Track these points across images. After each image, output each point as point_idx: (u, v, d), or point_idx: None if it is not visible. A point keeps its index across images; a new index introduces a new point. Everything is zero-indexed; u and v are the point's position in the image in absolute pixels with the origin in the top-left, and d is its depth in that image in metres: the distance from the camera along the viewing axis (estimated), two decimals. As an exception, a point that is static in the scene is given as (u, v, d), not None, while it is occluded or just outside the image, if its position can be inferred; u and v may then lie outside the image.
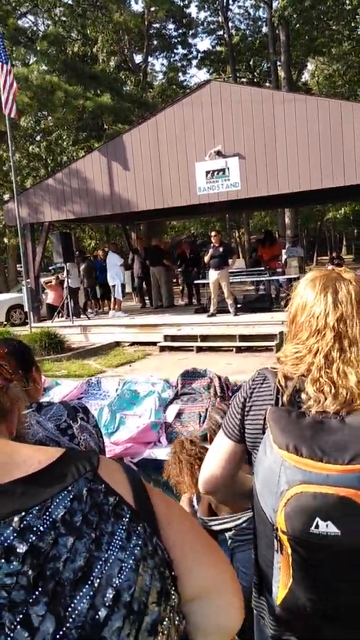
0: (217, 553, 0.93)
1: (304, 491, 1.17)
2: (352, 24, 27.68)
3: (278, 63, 26.92)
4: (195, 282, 15.30)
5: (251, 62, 34.40)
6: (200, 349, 10.99)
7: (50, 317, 14.34)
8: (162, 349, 11.44)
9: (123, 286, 14.62)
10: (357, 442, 1.18)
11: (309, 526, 1.16)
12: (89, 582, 0.72)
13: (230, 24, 31.57)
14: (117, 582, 0.73)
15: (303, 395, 1.33)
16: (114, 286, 14.33)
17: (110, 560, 0.74)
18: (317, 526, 1.16)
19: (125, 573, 0.74)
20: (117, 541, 0.76)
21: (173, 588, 0.81)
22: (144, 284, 15.91)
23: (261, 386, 1.48)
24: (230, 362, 9.80)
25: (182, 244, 17.47)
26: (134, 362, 10.64)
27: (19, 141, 21.65)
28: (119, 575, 0.74)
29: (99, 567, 0.73)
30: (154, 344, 11.73)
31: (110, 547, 0.75)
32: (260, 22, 32.88)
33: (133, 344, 12.40)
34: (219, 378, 3.66)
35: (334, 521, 1.15)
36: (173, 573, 0.82)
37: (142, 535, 0.79)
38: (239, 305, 12.79)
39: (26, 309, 14.03)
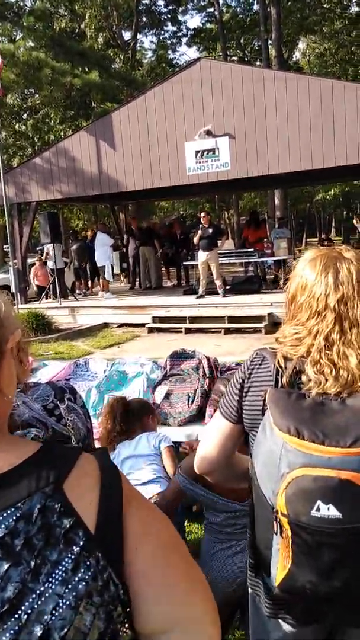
0: (192, 578, 0.82)
1: (306, 474, 1.16)
2: (344, 2, 27.41)
3: (269, 41, 26.56)
4: (184, 263, 15.25)
5: (242, 40, 33.97)
6: (189, 331, 10.98)
7: (39, 297, 14.26)
8: (151, 330, 11.42)
9: (112, 267, 14.53)
10: (358, 425, 1.17)
11: (310, 509, 1.16)
12: (16, 616, 0.65)
13: (221, 1, 31.09)
14: (48, 619, 0.66)
15: (303, 377, 1.32)
16: (103, 267, 14.22)
17: (46, 594, 0.67)
18: (318, 509, 1.15)
19: (60, 610, 0.67)
20: (60, 573, 0.69)
21: (126, 626, 0.73)
22: (137, 265, 15.86)
23: (260, 367, 1.45)
24: (219, 343, 9.81)
25: (172, 224, 17.36)
26: (122, 343, 10.61)
27: (5, 119, 21.25)
28: (53, 612, 0.66)
29: (30, 600, 0.66)
30: (143, 325, 11.70)
31: (50, 579, 0.68)
32: (251, 0, 32.45)
33: (121, 325, 12.37)
34: (208, 359, 3.64)
35: (336, 504, 1.14)
36: (128, 610, 0.74)
37: (93, 568, 0.70)
38: (227, 287, 12.77)
39: (13, 290, 13.92)
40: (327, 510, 1.14)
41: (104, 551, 0.72)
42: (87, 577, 0.69)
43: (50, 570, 0.68)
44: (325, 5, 26.97)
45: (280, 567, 1.25)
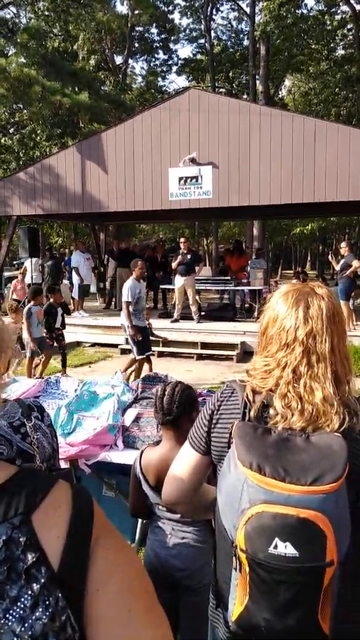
0: (154, 624, 0.76)
1: (265, 510, 1.16)
2: (331, 45, 28.32)
3: (257, 77, 27.27)
4: (162, 286, 15.28)
5: (230, 74, 34.76)
6: (161, 354, 10.96)
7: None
8: (123, 351, 11.37)
9: (88, 286, 14.46)
10: (320, 463, 1.17)
11: (268, 546, 1.15)
12: None
13: (212, 34, 31.86)
14: None
15: (271, 411, 1.32)
16: (80, 285, 14.18)
17: (1, 631, 0.64)
18: (275, 546, 1.14)
19: None
20: (18, 610, 0.65)
21: None
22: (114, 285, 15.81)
23: (229, 399, 1.46)
24: (191, 369, 9.82)
25: (155, 247, 17.43)
26: (93, 363, 10.54)
27: (-9, 132, 21.28)
28: None
29: None
30: (116, 346, 11.65)
31: (7, 616, 0.65)
32: (241, 35, 33.33)
33: (94, 344, 12.29)
34: (179, 384, 3.64)
35: (293, 542, 1.13)
36: None
37: (52, 608, 0.67)
38: (202, 313, 12.84)
39: (-13, 302, 13.77)
40: (285, 548, 1.14)
41: (65, 591, 0.69)
42: (44, 617, 0.66)
43: (9, 607, 0.65)
44: (312, 46, 27.81)
45: (237, 602, 1.24)
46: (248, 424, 1.31)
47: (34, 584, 0.67)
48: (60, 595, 0.69)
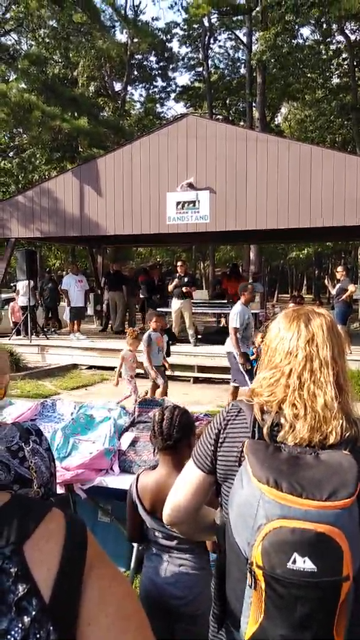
0: None
1: (283, 526, 1.16)
2: (327, 74, 28.85)
3: (253, 104, 27.72)
4: (158, 310, 15.29)
5: (227, 101, 35.32)
6: (158, 377, 10.93)
7: (16, 334, 14.08)
8: (120, 374, 11.32)
9: (81, 308, 14.37)
10: (332, 479, 1.20)
11: (286, 561, 1.15)
12: None
13: (209, 62, 32.47)
14: None
15: (281, 420, 1.35)
16: (70, 308, 14.04)
17: None
18: (294, 561, 1.15)
19: None
20: None
21: None
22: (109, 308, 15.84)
23: (236, 418, 1.47)
24: (187, 392, 9.80)
25: (149, 270, 17.52)
26: (90, 385, 10.51)
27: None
28: None
29: None
30: (112, 368, 11.59)
31: None
32: (238, 64, 33.96)
33: (91, 367, 12.26)
34: (176, 408, 3.63)
35: (311, 557, 1.14)
36: None
37: None
38: (199, 336, 12.85)
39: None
40: (303, 563, 1.14)
41: (56, 624, 0.67)
42: None
43: None
44: (308, 75, 28.32)
45: (251, 621, 1.23)
46: (259, 441, 1.33)
47: (25, 617, 0.65)
48: (51, 628, 0.66)
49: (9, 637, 0.64)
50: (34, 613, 0.66)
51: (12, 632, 0.64)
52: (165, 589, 2.25)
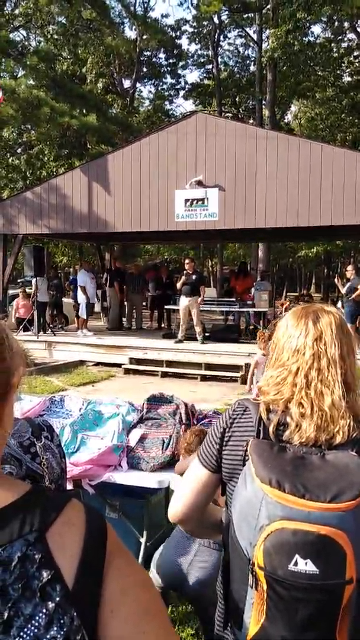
0: None
1: (285, 527, 1.15)
2: (338, 72, 28.70)
3: (263, 102, 27.63)
4: (166, 307, 15.31)
5: (237, 98, 35.22)
6: (165, 374, 10.94)
7: (17, 330, 14.12)
8: (127, 371, 11.36)
9: (93, 305, 14.50)
10: (338, 481, 1.18)
11: (288, 563, 1.14)
12: None
13: (219, 60, 32.36)
14: None
15: (287, 419, 1.33)
16: (79, 304, 14.21)
17: None
18: (296, 563, 1.14)
19: None
20: (33, 628, 0.64)
21: None
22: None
23: (242, 417, 1.46)
24: (194, 389, 9.78)
25: (156, 268, 17.53)
26: (97, 382, 10.52)
27: (-1, 151, 21.57)
28: None
29: None
30: (119, 365, 11.63)
31: (21, 634, 0.64)
32: (248, 61, 33.82)
33: (98, 364, 12.28)
34: (186, 405, 3.62)
35: (313, 559, 1.13)
36: None
37: (66, 627, 0.66)
38: (207, 334, 12.83)
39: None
40: (305, 565, 1.13)
41: (80, 610, 0.68)
42: (59, 635, 0.65)
43: (23, 625, 0.65)
44: (319, 73, 28.19)
45: (253, 621, 1.23)
46: (264, 441, 1.32)
47: (49, 602, 0.67)
48: (75, 614, 0.68)
49: (33, 622, 0.65)
50: (57, 599, 0.67)
51: (37, 617, 0.65)
52: (190, 573, 2.34)
